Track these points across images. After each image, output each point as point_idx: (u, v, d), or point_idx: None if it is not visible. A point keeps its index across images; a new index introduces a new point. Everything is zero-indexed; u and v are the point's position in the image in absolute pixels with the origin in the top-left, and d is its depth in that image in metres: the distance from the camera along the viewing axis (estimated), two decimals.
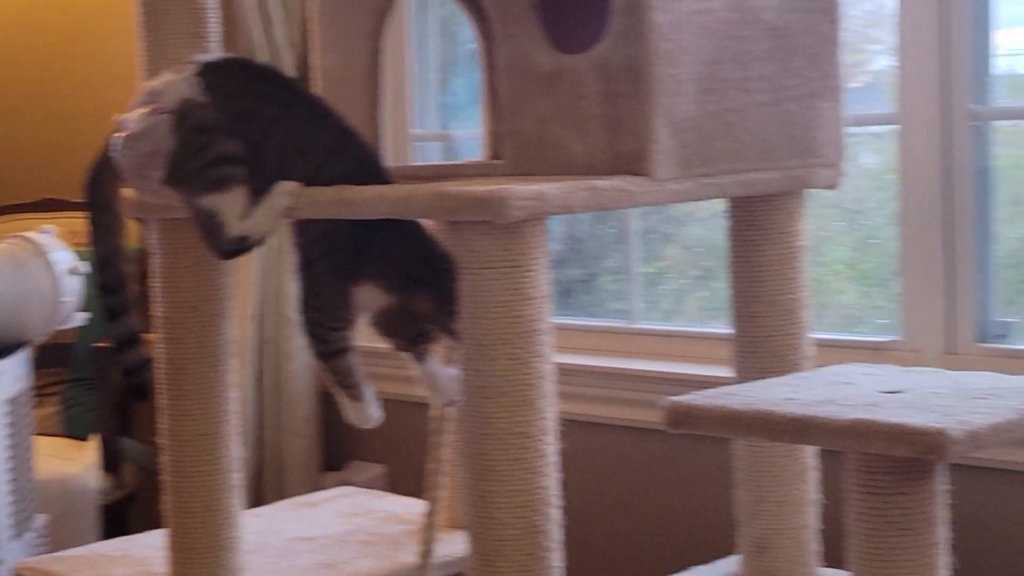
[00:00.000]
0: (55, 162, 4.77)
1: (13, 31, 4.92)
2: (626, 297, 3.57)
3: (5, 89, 4.96)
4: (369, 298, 2.34)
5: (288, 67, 3.76)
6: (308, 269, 2.40)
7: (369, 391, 2.46)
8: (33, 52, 4.87)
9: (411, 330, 2.37)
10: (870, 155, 3.23)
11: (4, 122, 4.97)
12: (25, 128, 4.91)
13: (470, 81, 3.92)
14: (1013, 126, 3.06)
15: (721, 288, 3.44)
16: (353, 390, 2.44)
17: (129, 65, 4.43)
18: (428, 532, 2.52)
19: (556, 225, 3.64)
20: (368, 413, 2.47)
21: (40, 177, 4.77)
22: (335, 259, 2.35)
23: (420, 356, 2.42)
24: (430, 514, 2.54)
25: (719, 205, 3.39)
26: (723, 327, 3.32)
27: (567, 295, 3.69)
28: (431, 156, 3.92)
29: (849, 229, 3.23)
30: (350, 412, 2.47)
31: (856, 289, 3.24)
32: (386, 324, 2.36)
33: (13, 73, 4.94)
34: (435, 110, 3.92)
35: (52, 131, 4.81)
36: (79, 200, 4.34)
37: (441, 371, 2.46)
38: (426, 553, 2.51)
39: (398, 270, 2.32)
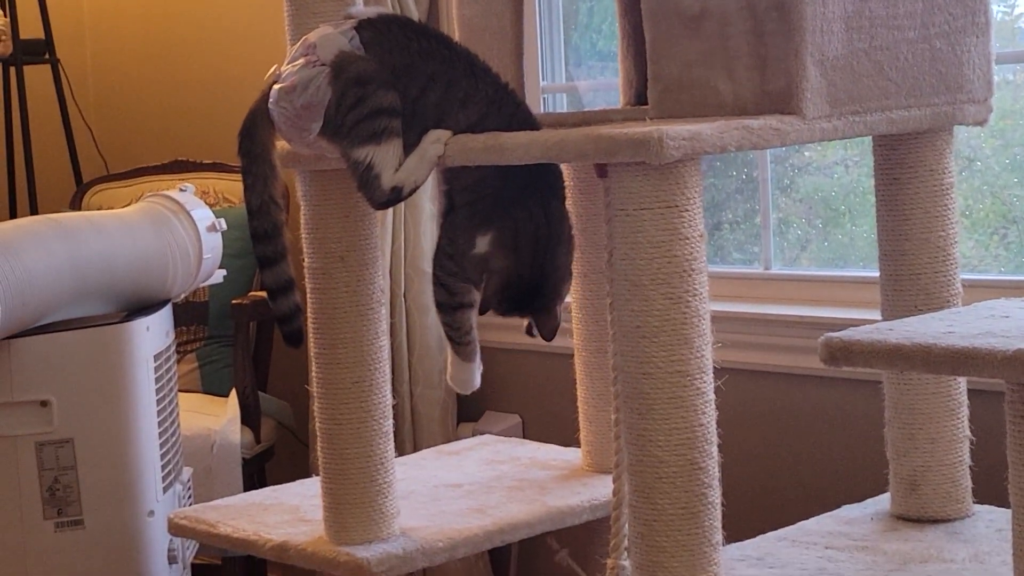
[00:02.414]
0: (184, 125, 4.84)
1: None
2: (746, 247, 3.57)
3: (135, 56, 5.03)
4: (482, 247, 2.34)
5: (414, 18, 3.78)
6: (449, 215, 2.42)
7: (479, 357, 2.48)
8: (162, 18, 4.93)
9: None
10: None
11: (135, 88, 5.04)
12: (155, 93, 4.97)
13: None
14: None
15: (841, 237, 3.44)
16: (465, 348, 2.46)
17: (255, 29, 4.49)
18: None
19: None
20: (471, 377, 2.49)
21: (170, 139, 4.85)
22: (477, 207, 2.36)
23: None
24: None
25: (838, 153, 3.39)
26: (856, 271, 3.36)
27: None
28: (559, 107, 3.92)
29: (963, 178, 3.20)
30: (455, 371, 2.49)
31: (971, 237, 3.21)
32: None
33: (143, 40, 5.00)
34: (561, 61, 3.92)
35: (180, 95, 4.87)
36: (207, 161, 4.44)
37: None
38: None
39: (515, 226, 2.32)
